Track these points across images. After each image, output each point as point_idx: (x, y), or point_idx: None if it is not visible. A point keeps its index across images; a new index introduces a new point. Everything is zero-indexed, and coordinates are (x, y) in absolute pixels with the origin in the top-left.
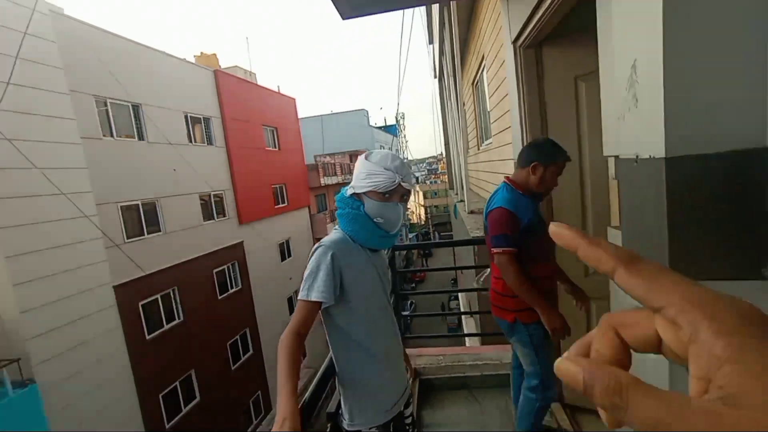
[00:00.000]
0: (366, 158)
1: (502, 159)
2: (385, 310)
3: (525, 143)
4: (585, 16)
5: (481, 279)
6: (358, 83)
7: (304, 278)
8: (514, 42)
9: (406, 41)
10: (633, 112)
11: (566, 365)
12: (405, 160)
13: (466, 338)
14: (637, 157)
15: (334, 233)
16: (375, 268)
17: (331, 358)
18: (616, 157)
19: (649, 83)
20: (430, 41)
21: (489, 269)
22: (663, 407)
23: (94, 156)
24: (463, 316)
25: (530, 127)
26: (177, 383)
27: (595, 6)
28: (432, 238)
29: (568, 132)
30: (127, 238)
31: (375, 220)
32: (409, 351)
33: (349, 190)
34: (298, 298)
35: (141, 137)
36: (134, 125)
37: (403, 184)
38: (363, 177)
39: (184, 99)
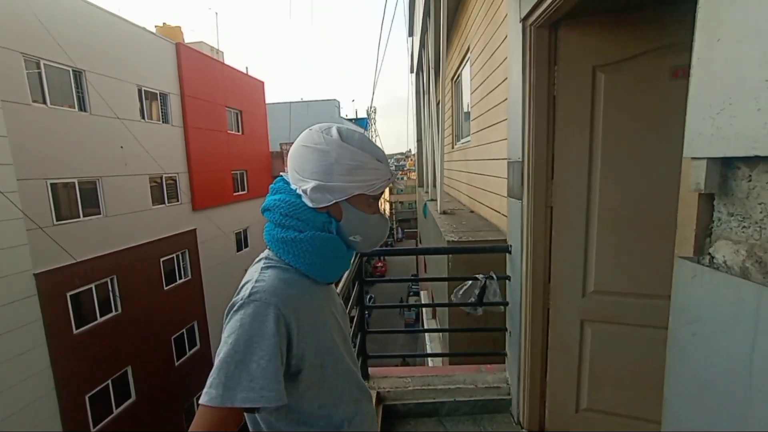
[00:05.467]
0: (342, 138)
1: (480, 159)
2: (352, 371)
3: (527, 140)
4: None
5: (460, 293)
6: (331, 73)
7: (219, 361)
8: (524, 20)
9: (385, 34)
10: None
11: None
12: None
13: (430, 359)
14: None
15: (270, 270)
16: (332, 310)
17: None
18: (718, 159)
19: None
20: (410, 34)
21: (469, 282)
22: None
23: (19, 124)
24: (424, 318)
25: (535, 122)
26: (109, 382)
27: None
28: (395, 233)
29: (578, 132)
30: (58, 220)
31: (350, 238)
32: (372, 371)
33: (311, 196)
34: (202, 401)
35: (82, 108)
36: (75, 93)
37: (394, 183)
38: (343, 171)
39: (138, 71)
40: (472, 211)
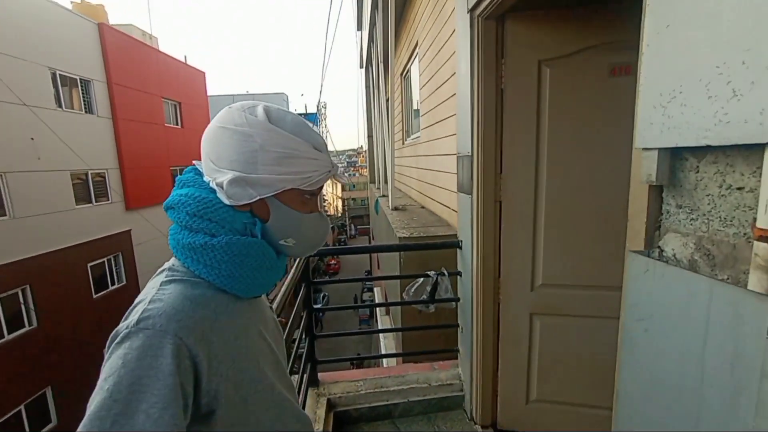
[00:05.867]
0: (270, 119)
1: (430, 154)
2: (285, 400)
3: (475, 134)
4: None
5: (411, 290)
6: (278, 66)
7: (90, 414)
8: (472, 10)
9: (333, 27)
10: None
11: None
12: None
13: (384, 359)
14: None
15: (172, 285)
16: (260, 329)
17: None
18: (668, 150)
19: None
20: (359, 27)
21: (420, 279)
22: None
23: None
24: (378, 315)
25: (483, 116)
26: (22, 407)
27: None
28: (348, 230)
29: (525, 126)
30: None
31: (281, 242)
32: (322, 377)
33: (228, 191)
34: None
35: None
36: None
37: (336, 176)
38: (271, 161)
39: (51, 52)
40: (423, 207)
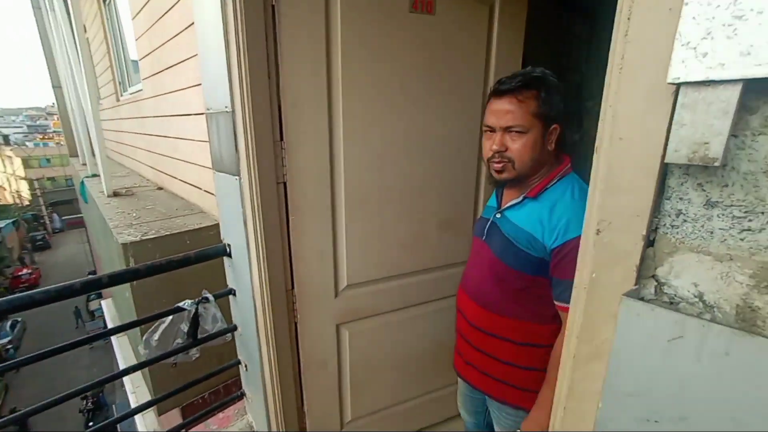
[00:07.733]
0: None
1: (162, 115)
2: None
3: (236, 77)
4: None
5: (155, 339)
6: None
7: None
8: None
9: None
10: None
11: None
12: None
13: None
14: None
15: None
16: None
17: None
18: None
19: None
20: None
21: (168, 318)
22: None
23: None
24: (113, 336)
25: (248, 48)
26: None
27: None
28: (50, 222)
29: (313, 66)
30: None
31: None
32: None
33: None
34: None
35: None
36: None
37: None
38: None
39: None
40: (160, 188)
